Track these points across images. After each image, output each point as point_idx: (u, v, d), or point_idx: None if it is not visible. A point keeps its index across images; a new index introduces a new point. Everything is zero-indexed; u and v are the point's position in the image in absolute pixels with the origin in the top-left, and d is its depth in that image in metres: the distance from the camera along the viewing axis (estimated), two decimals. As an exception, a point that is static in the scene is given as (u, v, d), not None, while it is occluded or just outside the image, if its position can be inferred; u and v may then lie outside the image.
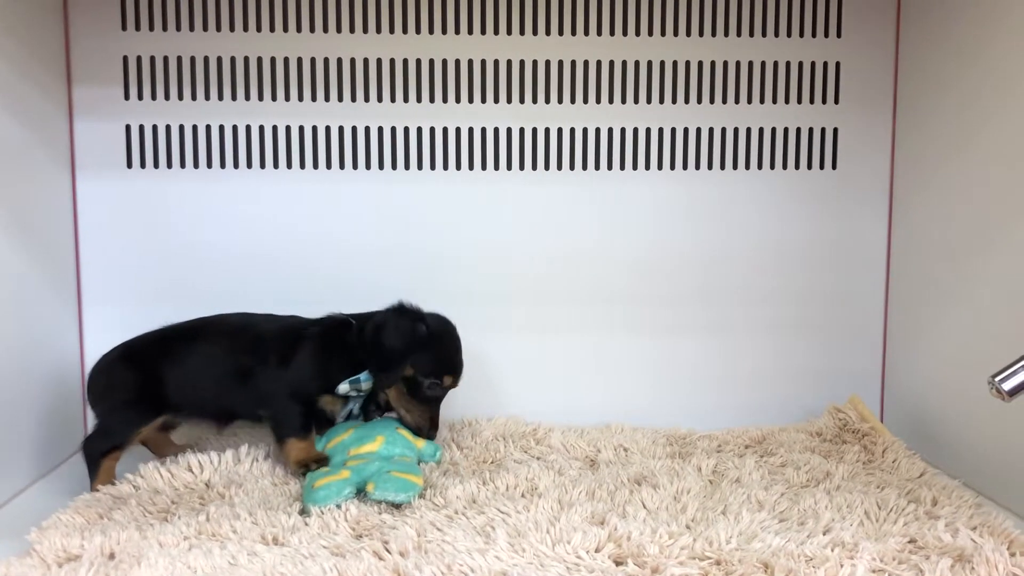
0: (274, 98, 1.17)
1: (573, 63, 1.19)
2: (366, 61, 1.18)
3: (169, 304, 1.11)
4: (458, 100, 1.19)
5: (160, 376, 0.99)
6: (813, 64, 1.21)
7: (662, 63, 1.20)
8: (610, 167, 1.21)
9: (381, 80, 1.18)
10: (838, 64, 1.21)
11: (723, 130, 1.21)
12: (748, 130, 1.22)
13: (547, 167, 1.21)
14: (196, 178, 1.18)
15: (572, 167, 1.21)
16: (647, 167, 1.22)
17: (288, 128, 1.18)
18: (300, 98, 1.17)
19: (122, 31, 1.15)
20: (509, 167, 1.21)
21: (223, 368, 1.00)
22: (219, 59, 1.16)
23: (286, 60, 1.17)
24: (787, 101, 1.21)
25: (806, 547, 0.78)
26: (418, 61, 1.18)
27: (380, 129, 1.19)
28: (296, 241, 1.19)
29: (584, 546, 0.78)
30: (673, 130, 1.21)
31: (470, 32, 1.18)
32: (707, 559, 0.77)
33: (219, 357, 1.00)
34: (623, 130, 1.21)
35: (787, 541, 0.79)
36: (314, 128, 1.18)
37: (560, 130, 1.20)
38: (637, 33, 1.19)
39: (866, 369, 1.25)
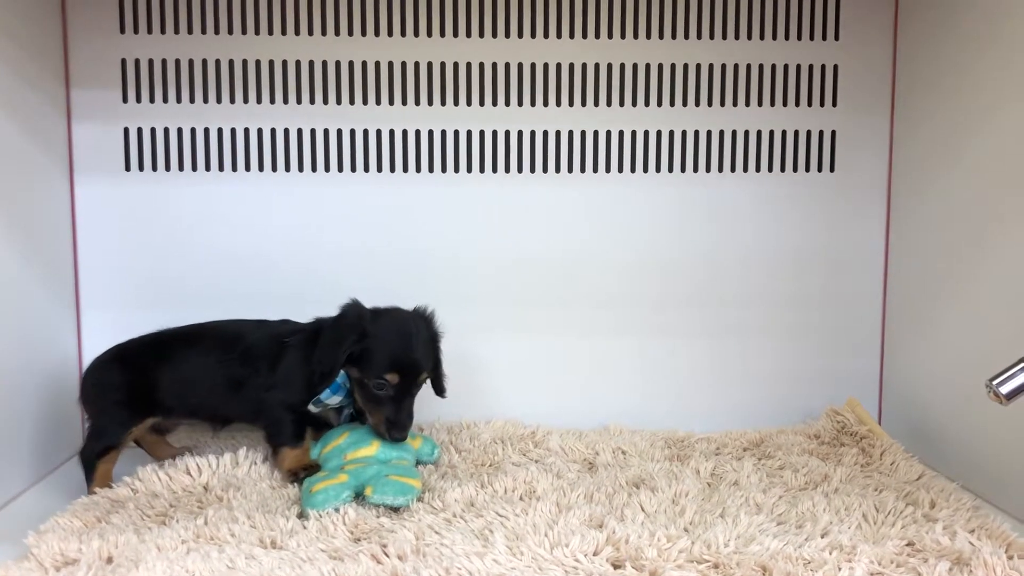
0: (272, 101, 1.17)
1: (570, 66, 1.19)
2: (364, 64, 1.18)
3: (167, 306, 1.11)
4: (455, 103, 1.19)
5: (152, 379, 0.99)
6: (811, 67, 1.21)
7: (660, 66, 1.20)
8: (608, 170, 1.21)
9: (380, 82, 1.18)
10: (836, 67, 1.21)
11: (720, 132, 1.21)
12: (746, 133, 1.22)
13: (545, 171, 1.21)
14: (195, 181, 1.18)
15: (570, 170, 1.21)
16: (645, 170, 1.22)
17: (287, 131, 1.18)
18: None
19: (120, 34, 1.15)
20: (507, 170, 1.21)
21: (215, 376, 1.00)
22: (217, 62, 1.16)
23: (284, 63, 1.17)
24: (785, 104, 1.22)
25: (804, 550, 0.78)
26: (410, 64, 1.18)
27: (379, 132, 1.19)
28: (296, 243, 1.19)
29: (582, 549, 0.78)
30: (671, 133, 1.21)
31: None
32: (705, 562, 0.77)
33: (211, 365, 1.00)
34: (621, 133, 1.21)
35: (785, 544, 0.79)
36: (312, 131, 1.18)
37: (559, 133, 1.20)
38: (634, 36, 1.19)
39: (864, 371, 1.25)
